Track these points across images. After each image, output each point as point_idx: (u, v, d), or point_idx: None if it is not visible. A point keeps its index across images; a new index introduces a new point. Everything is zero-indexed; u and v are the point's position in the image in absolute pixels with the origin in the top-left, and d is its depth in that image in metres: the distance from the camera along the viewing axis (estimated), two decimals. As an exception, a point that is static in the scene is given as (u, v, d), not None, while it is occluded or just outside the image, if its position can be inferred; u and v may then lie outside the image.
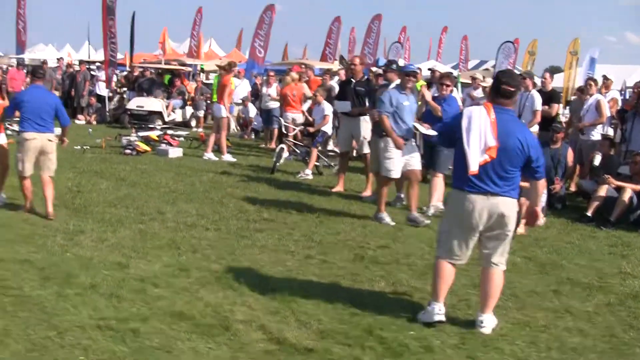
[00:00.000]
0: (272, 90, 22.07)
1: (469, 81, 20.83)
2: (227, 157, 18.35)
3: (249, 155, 19.50)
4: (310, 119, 17.81)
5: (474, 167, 6.52)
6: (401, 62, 19.17)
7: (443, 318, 6.87)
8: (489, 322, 6.83)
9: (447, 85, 12.57)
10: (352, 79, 14.30)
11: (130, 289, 7.43)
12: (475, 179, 6.58)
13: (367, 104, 13.86)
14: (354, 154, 16.19)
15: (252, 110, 25.18)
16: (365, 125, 13.99)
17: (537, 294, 8.21)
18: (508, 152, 6.53)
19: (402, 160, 11.50)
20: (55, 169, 11.11)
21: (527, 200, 7.15)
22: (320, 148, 16.74)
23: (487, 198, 6.60)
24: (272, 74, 23.52)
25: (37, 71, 11.40)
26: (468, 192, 6.63)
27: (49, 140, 10.86)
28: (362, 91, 13.99)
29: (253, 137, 25.02)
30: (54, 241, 9.29)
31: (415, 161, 11.72)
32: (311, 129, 16.99)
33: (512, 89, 6.65)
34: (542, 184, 6.90)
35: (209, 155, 18.38)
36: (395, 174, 11.51)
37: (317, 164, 16.59)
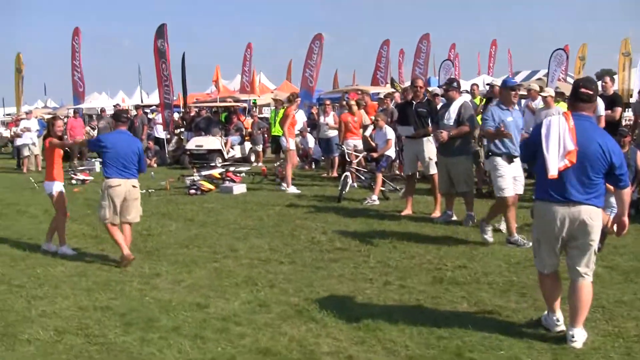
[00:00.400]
0: (330, 118, 22.11)
1: (524, 93, 20.60)
2: (292, 189, 18.38)
3: (312, 185, 19.50)
4: (373, 144, 17.75)
5: (553, 171, 6.53)
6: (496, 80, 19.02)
7: (564, 327, 6.91)
8: (579, 336, 6.71)
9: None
10: (412, 101, 14.25)
11: (213, 328, 7.43)
12: (556, 187, 6.58)
13: (429, 124, 13.79)
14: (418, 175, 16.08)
15: (311, 141, 25.26)
16: (430, 146, 13.92)
17: (625, 303, 8.02)
18: (589, 157, 6.48)
19: (511, 179, 11.27)
20: (138, 216, 11.23)
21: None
22: (385, 173, 16.66)
23: (569, 207, 6.56)
24: (328, 102, 23.59)
25: (120, 115, 11.35)
26: (549, 201, 6.65)
27: (133, 187, 10.95)
28: (423, 112, 13.93)
29: (314, 167, 25.05)
30: (132, 286, 9.36)
31: (519, 185, 11.49)
32: (375, 155, 16.93)
33: (591, 92, 6.66)
34: (627, 192, 6.80)
35: (288, 188, 18.49)
36: (508, 192, 11.19)
37: (383, 189, 16.52)
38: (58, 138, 12.04)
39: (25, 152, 28.10)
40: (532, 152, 6.99)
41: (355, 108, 19.39)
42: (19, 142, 28.98)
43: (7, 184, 23.37)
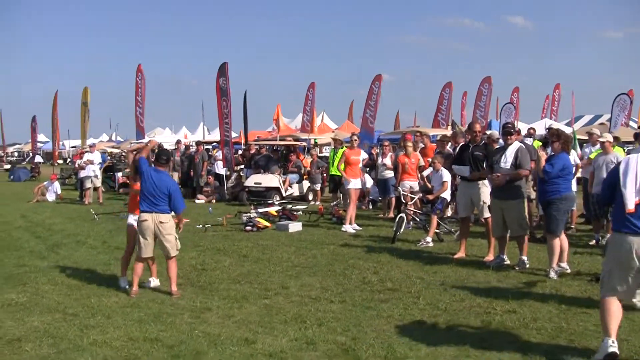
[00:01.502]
0: (388, 159, 22.19)
1: (586, 137, 20.47)
2: (348, 227, 18.53)
3: (368, 226, 19.53)
4: (429, 186, 17.78)
5: (630, 205, 6.98)
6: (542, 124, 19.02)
7: (616, 350, 7.05)
8: None
9: (553, 142, 12.40)
10: (469, 144, 14.27)
11: (259, 364, 7.51)
12: (633, 220, 6.98)
13: (484, 168, 13.78)
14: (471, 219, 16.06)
15: (369, 181, 25.33)
16: (485, 190, 13.90)
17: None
18: None
19: None
20: (177, 249, 11.38)
21: None
22: (440, 215, 16.65)
23: None
24: (386, 143, 23.68)
25: (160, 157, 11.63)
26: (625, 233, 7.03)
27: (161, 222, 11.13)
28: (479, 156, 13.91)
29: (370, 207, 25.10)
30: (182, 319, 9.51)
31: None
32: (430, 197, 16.94)
33: None
34: None
35: (347, 227, 18.71)
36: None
37: (438, 231, 16.50)
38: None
39: (88, 184, 28.72)
40: (612, 192, 7.40)
41: (410, 150, 19.46)
42: (82, 174, 29.63)
43: (69, 214, 23.91)
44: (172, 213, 11.26)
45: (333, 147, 26.08)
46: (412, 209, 17.61)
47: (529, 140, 19.09)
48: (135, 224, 11.62)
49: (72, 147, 74.23)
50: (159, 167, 11.38)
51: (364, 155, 21.54)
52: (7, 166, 66.73)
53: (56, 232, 19.17)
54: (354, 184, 19.27)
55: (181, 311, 9.96)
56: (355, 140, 20.18)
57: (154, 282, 11.80)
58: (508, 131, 13.11)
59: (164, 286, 11.48)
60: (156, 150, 12.21)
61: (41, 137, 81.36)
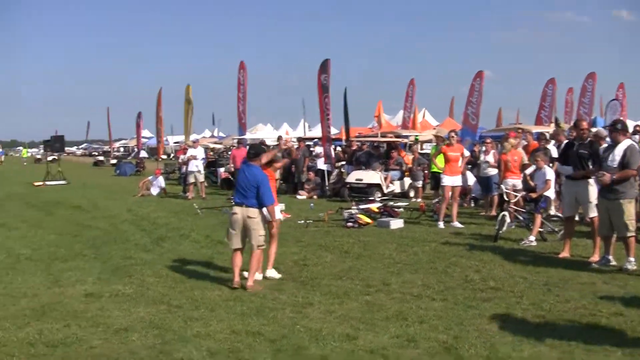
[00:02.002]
0: (490, 157, 21.91)
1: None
2: (456, 224, 18.85)
3: (470, 223, 19.34)
4: (532, 184, 17.49)
5: None
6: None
7: None
8: None
9: None
10: (574, 142, 13.99)
11: (360, 360, 7.55)
12: None
13: (590, 166, 13.48)
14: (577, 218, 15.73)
15: (471, 178, 25.05)
16: (591, 189, 13.60)
17: None
18: None
19: None
20: (260, 244, 11.49)
21: None
22: (543, 214, 16.38)
23: None
24: (489, 140, 23.36)
25: (249, 152, 11.96)
26: None
27: (249, 217, 11.40)
28: (585, 154, 13.60)
29: (472, 205, 24.83)
30: (284, 314, 9.63)
31: None
32: (533, 195, 16.67)
33: None
34: None
35: (455, 223, 18.95)
36: None
37: (541, 230, 16.24)
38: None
39: (191, 179, 29.22)
40: None
41: (508, 147, 19.26)
42: (185, 169, 30.23)
43: (173, 208, 24.42)
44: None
45: (435, 143, 25.92)
46: (514, 207, 17.38)
47: (635, 138, 18.60)
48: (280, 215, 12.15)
49: (175, 142, 75.89)
50: (251, 161, 11.62)
51: (466, 152, 21.32)
52: (114, 161, 68.67)
53: (160, 225, 19.63)
54: (450, 181, 19.19)
55: (282, 306, 10.09)
56: (453, 137, 20.06)
57: (270, 273, 12.15)
58: (618, 128, 12.81)
59: (271, 281, 11.73)
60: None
61: (146, 133, 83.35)
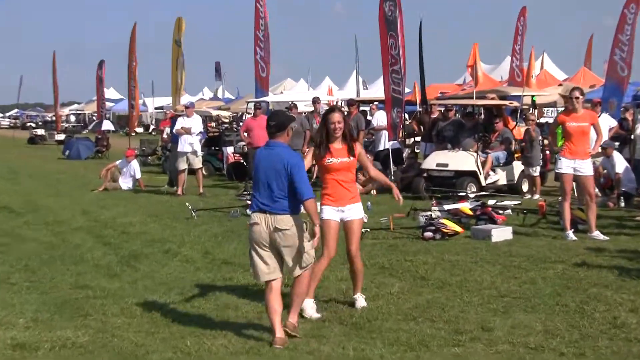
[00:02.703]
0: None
1: None
2: (570, 234, 18.49)
3: (618, 234, 19.10)
4: None
5: None
6: None
7: None
8: None
9: None
10: None
11: None
12: None
13: None
14: None
15: (620, 163, 24.70)
16: None
17: None
18: None
19: None
20: (304, 264, 11.20)
21: None
22: None
23: None
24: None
25: (268, 123, 11.54)
26: None
27: (277, 228, 10.93)
28: None
29: (622, 204, 24.48)
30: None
31: None
32: None
33: None
34: None
35: (569, 233, 18.50)
36: None
37: None
38: None
39: (182, 165, 29.04)
40: None
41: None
42: (172, 149, 30.11)
43: (153, 210, 24.45)
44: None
45: (563, 107, 25.64)
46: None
47: None
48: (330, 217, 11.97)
49: (157, 108, 76.24)
50: (273, 138, 11.37)
51: (609, 121, 21.05)
52: (61, 136, 68.51)
53: (133, 236, 19.67)
54: (571, 167, 18.77)
55: (323, 363, 9.97)
56: (578, 98, 19.58)
57: (308, 307, 12.00)
58: None
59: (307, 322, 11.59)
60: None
61: (111, 93, 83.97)
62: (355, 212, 12.24)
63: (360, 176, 29.39)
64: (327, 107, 35.25)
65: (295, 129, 15.17)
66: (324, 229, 11.76)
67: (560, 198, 21.47)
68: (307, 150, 12.38)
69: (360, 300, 12.51)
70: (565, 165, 18.74)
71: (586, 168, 18.85)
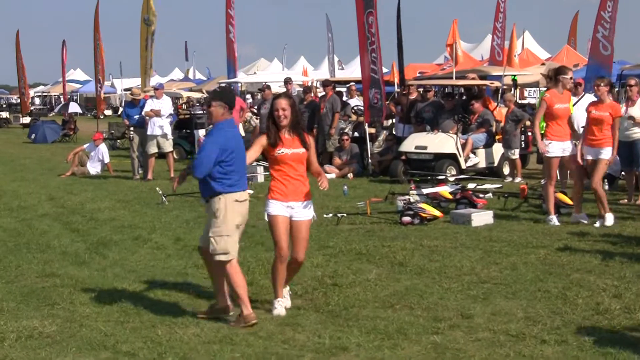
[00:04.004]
0: (637, 109, 21.58)
1: None
2: (553, 218, 18.50)
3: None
4: None
5: None
6: None
7: None
8: None
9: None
10: None
11: None
12: None
13: None
14: None
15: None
16: None
17: None
18: None
19: None
20: (223, 251, 11.21)
21: None
22: None
23: None
24: (633, 82, 23.00)
25: (207, 98, 11.65)
26: None
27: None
28: None
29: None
30: (302, 365, 9.54)
31: None
32: None
33: None
34: None
35: (553, 217, 18.54)
36: None
37: None
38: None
39: (152, 149, 29.06)
40: None
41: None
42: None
43: (123, 196, 24.43)
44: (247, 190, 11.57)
45: (545, 88, 25.68)
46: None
47: None
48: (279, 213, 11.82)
49: (126, 89, 76.14)
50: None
51: (588, 98, 21.05)
52: (26, 119, 68.40)
53: (102, 223, 19.66)
54: (559, 150, 18.76)
55: (299, 352, 9.99)
56: (564, 78, 19.54)
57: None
58: None
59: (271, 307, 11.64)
60: None
61: (77, 75, 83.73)
62: (305, 212, 11.85)
63: (337, 159, 29.52)
64: (301, 89, 35.36)
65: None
66: (272, 226, 11.67)
67: (543, 181, 21.56)
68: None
69: (286, 301, 12.03)
70: (557, 148, 18.75)
71: (571, 147, 18.93)
